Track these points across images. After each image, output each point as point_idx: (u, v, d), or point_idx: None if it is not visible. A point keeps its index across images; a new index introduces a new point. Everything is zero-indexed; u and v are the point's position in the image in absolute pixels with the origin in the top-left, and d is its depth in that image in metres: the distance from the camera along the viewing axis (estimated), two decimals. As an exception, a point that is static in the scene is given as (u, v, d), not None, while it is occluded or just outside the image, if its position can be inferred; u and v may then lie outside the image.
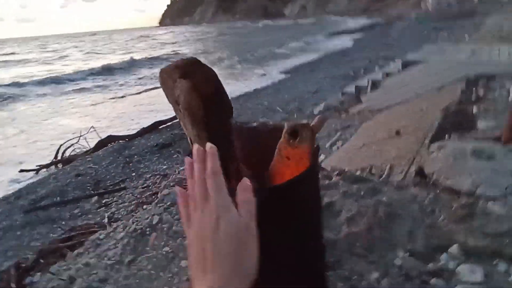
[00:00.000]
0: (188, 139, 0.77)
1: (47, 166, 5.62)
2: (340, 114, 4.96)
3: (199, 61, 0.74)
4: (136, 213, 3.17)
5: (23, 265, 2.68)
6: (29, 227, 3.63)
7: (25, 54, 36.41)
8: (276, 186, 0.78)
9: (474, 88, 3.15)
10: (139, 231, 1.81)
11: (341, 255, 1.30)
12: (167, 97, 0.74)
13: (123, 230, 2.19)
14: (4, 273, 2.75)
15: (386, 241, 1.35)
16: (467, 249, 1.24)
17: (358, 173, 2.26)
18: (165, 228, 1.74)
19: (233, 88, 10.34)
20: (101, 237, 2.34)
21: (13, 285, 2.24)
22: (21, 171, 5.54)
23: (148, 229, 1.80)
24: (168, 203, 1.97)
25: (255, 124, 1.02)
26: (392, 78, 5.16)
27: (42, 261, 2.73)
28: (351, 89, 5.34)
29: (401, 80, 5.03)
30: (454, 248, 1.25)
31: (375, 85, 5.18)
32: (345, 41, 21.91)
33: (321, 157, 3.41)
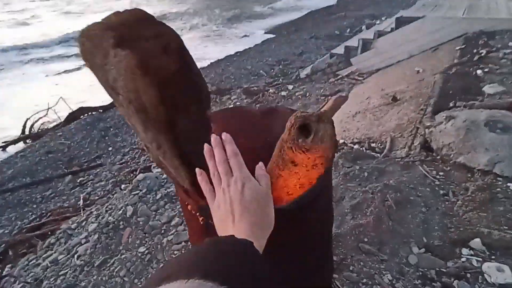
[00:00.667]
0: (142, 145, 0.50)
1: (14, 142, 5.16)
2: (328, 77, 4.67)
3: (147, 14, 0.45)
4: (112, 195, 2.93)
5: (-11, 258, 2.43)
6: (-3, 212, 3.33)
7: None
8: (277, 209, 0.54)
9: (474, 48, 2.91)
10: (111, 225, 1.58)
11: (347, 253, 1.12)
12: (93, 73, 0.46)
13: (96, 220, 1.95)
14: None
15: (397, 234, 1.16)
16: (491, 243, 1.07)
17: (355, 146, 2.06)
18: (140, 222, 1.50)
19: (212, 50, 9.73)
20: (73, 226, 2.11)
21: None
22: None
23: (121, 223, 1.57)
24: (144, 190, 1.72)
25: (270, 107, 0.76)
26: (384, 37, 4.83)
27: (10, 253, 2.49)
28: (340, 50, 5.00)
29: (394, 39, 4.71)
30: (476, 242, 1.08)
31: (365, 45, 4.85)
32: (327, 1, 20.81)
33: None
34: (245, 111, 0.85)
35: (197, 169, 0.52)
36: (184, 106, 0.46)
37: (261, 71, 6.05)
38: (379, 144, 1.94)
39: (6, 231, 2.95)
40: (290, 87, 4.60)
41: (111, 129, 4.70)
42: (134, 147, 4.04)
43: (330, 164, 0.59)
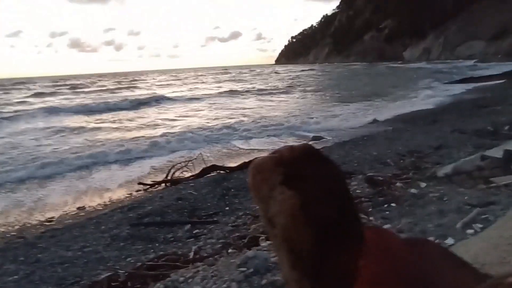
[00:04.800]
0: (284, 277, 0.47)
1: (159, 183, 6.26)
2: (476, 182, 3.90)
3: (318, 152, 0.45)
4: (220, 257, 3.04)
5: (113, 284, 2.79)
6: (130, 241, 3.93)
7: (171, 81, 50.36)
8: None
9: None
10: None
11: None
12: (255, 203, 0.47)
13: (201, 282, 2.01)
14: (97, 283, 2.92)
15: None
16: None
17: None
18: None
19: (336, 130, 9.88)
20: (181, 279, 2.23)
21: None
22: (139, 183, 6.32)
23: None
24: (251, 270, 1.70)
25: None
26: None
27: (129, 284, 2.81)
28: (496, 153, 4.19)
29: None
30: None
31: (534, 152, 3.91)
32: (481, 89, 18.73)
33: (449, 240, 2.62)
34: (384, 235, 0.74)
35: None
36: (337, 253, 0.42)
37: (388, 160, 5.65)
38: None
39: (131, 261, 3.40)
40: (423, 185, 4.05)
41: (232, 190, 5.11)
42: (248, 212, 4.22)
43: None
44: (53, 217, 5.09)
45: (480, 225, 2.67)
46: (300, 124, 11.08)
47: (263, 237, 3.14)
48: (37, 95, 30.82)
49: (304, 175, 0.42)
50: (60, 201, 5.80)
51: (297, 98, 21.89)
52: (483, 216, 2.86)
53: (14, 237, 4.42)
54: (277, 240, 0.43)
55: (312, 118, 12.24)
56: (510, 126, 7.75)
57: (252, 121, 12.19)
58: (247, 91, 26.58)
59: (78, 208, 5.38)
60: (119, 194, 6.00)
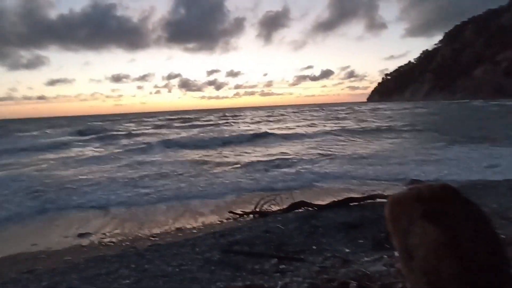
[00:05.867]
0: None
1: (247, 213, 6.52)
2: None
3: (457, 192, 0.47)
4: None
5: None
6: (221, 266, 4.15)
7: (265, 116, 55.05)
8: None
9: None
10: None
11: None
12: (392, 235, 0.51)
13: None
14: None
15: None
16: None
17: None
18: None
19: (440, 173, 8.70)
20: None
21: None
22: (230, 212, 6.71)
23: None
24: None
25: None
26: None
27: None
28: None
29: None
30: None
31: None
32: None
33: None
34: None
35: None
36: (483, 294, 0.42)
37: (513, 215, 4.68)
38: None
39: (221, 286, 3.57)
40: None
41: (320, 229, 4.96)
42: (337, 255, 4.01)
43: None
44: (157, 233, 5.79)
45: None
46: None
47: (355, 284, 2.93)
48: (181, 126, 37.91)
49: (445, 212, 0.45)
50: (162, 219, 6.60)
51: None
52: None
53: (128, 246, 5.16)
54: (415, 273, 0.46)
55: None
56: None
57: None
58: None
59: (177, 229, 6.00)
60: (211, 219, 6.47)
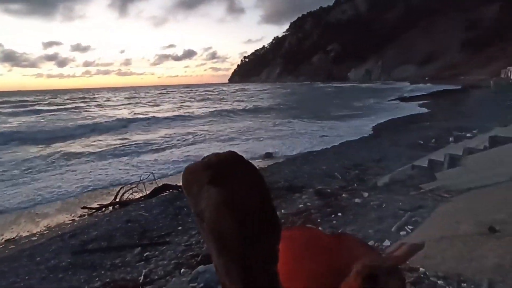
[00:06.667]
0: (214, 266, 0.54)
1: (106, 206, 5.88)
2: (408, 190, 4.34)
3: (241, 158, 0.53)
4: (171, 277, 2.95)
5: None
6: (71, 271, 3.62)
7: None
8: None
9: None
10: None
11: None
12: (188, 202, 0.54)
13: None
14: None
15: None
16: None
17: (440, 282, 1.74)
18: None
19: (290, 146, 10.26)
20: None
21: None
22: (83, 208, 5.88)
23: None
24: (202, 285, 1.70)
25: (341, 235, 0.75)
26: (476, 155, 4.44)
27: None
28: (423, 163, 4.74)
29: (490, 159, 4.30)
30: None
31: (453, 161, 4.51)
32: (412, 107, 20.99)
33: (386, 243, 2.87)
34: (313, 233, 0.84)
35: None
36: (258, 239, 0.50)
37: (336, 173, 6.02)
38: (472, 286, 1.61)
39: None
40: (366, 194, 4.39)
41: (185, 209, 5.01)
42: (201, 230, 4.17)
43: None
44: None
45: (411, 227, 2.98)
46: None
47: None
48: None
49: (227, 175, 0.50)
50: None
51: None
52: (414, 219, 3.20)
53: None
54: (205, 232, 0.50)
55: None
56: (436, 139, 8.85)
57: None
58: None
59: (7, 241, 4.81)
60: (59, 220, 5.50)
